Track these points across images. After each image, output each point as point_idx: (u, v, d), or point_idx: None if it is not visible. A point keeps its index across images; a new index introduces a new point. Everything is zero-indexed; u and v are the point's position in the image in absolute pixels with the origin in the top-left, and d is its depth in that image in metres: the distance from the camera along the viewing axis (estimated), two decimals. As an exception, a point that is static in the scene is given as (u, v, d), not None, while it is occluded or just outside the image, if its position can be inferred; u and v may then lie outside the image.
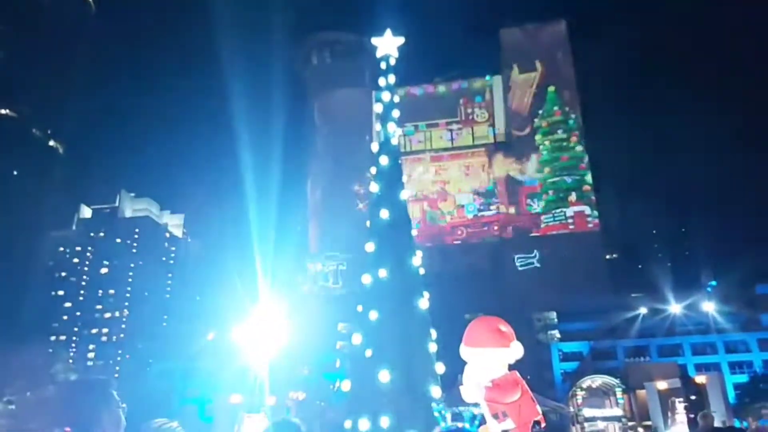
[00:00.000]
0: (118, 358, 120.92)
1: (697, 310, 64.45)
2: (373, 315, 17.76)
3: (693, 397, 38.91)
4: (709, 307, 63.77)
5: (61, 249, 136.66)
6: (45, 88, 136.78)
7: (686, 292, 67.54)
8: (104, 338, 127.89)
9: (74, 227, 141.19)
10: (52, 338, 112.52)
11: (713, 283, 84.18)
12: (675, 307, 64.79)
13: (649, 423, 43.55)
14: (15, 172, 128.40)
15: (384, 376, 16.55)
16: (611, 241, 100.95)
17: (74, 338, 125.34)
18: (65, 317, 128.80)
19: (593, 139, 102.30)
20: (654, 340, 64.37)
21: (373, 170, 20.88)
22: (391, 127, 20.95)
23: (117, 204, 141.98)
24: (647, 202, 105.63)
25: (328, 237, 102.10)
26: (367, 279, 18.52)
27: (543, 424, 13.36)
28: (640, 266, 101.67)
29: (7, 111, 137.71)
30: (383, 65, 21.56)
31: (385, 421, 15.99)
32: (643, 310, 66.97)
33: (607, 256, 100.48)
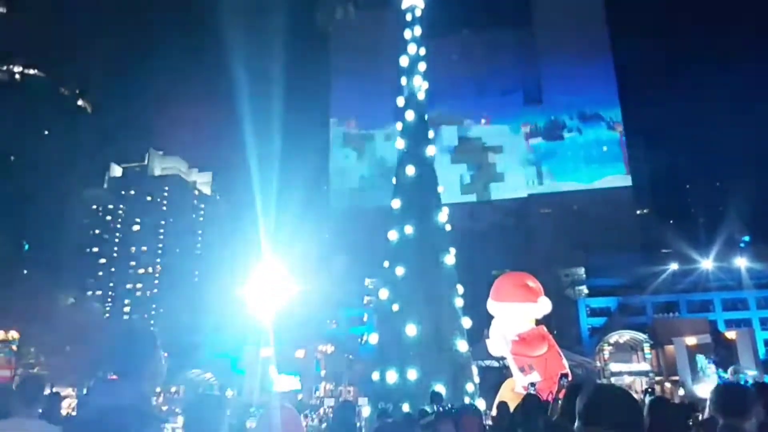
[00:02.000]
0: (152, 312, 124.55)
1: (729, 266, 63.40)
2: (400, 271, 17.85)
3: (723, 353, 38.60)
4: (742, 262, 62.62)
5: (94, 207, 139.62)
6: (72, 47, 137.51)
7: (718, 247, 66.34)
8: (138, 293, 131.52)
9: (106, 186, 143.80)
10: (89, 293, 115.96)
11: (746, 238, 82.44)
12: (707, 263, 63.82)
13: (676, 378, 43.49)
14: (46, 132, 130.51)
15: (410, 330, 16.73)
16: (643, 197, 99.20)
17: (110, 293, 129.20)
18: (100, 273, 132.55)
19: (626, 93, 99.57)
20: (684, 296, 63.70)
21: (399, 126, 20.62)
22: (417, 81, 20.56)
23: (146, 162, 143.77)
24: (680, 157, 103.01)
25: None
26: (393, 235, 18.54)
27: (569, 378, 13.40)
28: (671, 222, 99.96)
29: (36, 71, 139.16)
30: (408, 17, 21.05)
31: (411, 374, 16.23)
32: (673, 266, 66.13)
33: (638, 212, 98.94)
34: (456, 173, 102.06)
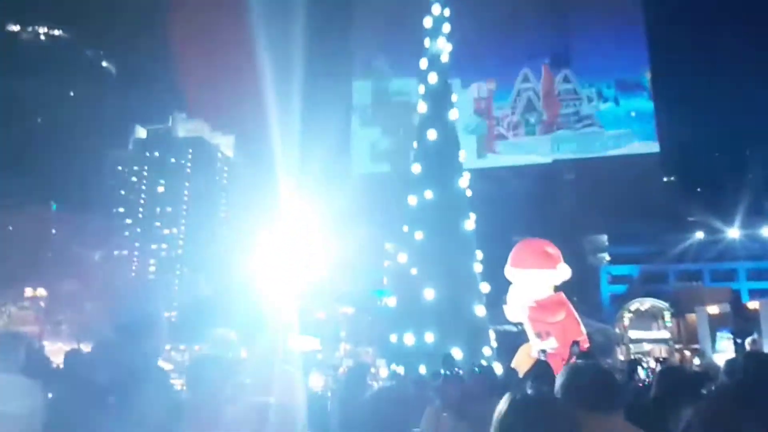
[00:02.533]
0: (177, 272, 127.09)
1: (755, 236, 62.29)
2: (419, 235, 17.89)
3: (743, 323, 38.28)
4: (769, 232, 61.50)
5: (120, 168, 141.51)
6: (97, 8, 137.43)
7: (746, 217, 65.09)
8: (164, 253, 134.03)
9: (130, 147, 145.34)
10: (116, 253, 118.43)
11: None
12: (733, 232, 62.77)
13: (696, 346, 43.36)
14: (71, 93, 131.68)
15: (429, 293, 16.85)
16: (670, 164, 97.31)
17: (135, 253, 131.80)
18: (126, 233, 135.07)
19: (656, 57, 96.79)
20: (708, 265, 62.98)
21: (421, 89, 20.36)
22: (441, 42, 20.19)
23: (170, 124, 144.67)
24: (710, 124, 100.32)
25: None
26: (412, 200, 18.52)
27: (587, 345, 13.41)
28: (698, 190, 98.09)
29: (60, 32, 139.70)
30: (432, -23, 20.55)
31: (429, 337, 16.41)
32: (699, 235, 65.19)
33: (665, 179, 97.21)
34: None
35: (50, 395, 4.88)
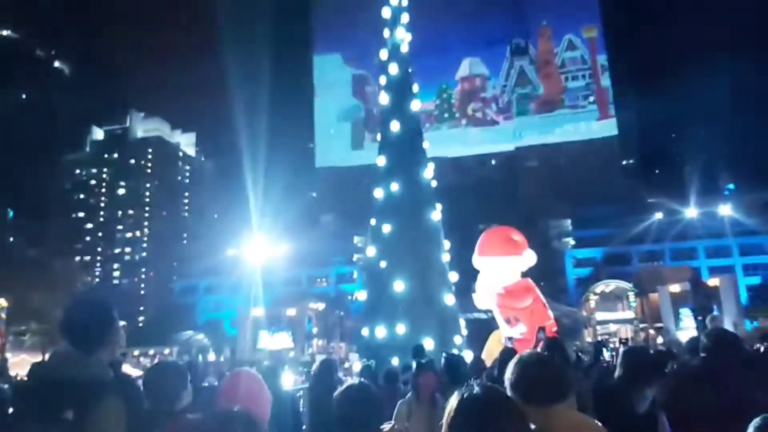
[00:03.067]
0: (143, 276, 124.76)
1: (713, 214, 64.19)
2: (386, 228, 17.87)
3: (703, 300, 39.50)
4: (726, 210, 63.39)
5: (77, 171, 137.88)
6: (46, 7, 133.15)
7: (703, 196, 66.98)
8: (127, 257, 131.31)
9: (88, 149, 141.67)
10: (77, 259, 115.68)
11: (731, 186, 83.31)
12: (691, 212, 64.55)
13: (660, 325, 44.58)
14: (23, 96, 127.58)
15: (398, 285, 16.87)
16: (629, 147, 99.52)
17: (98, 258, 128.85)
18: (88, 238, 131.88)
19: (615, 41, 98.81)
20: (668, 245, 64.65)
21: (383, 80, 20.29)
22: (400, 33, 20.12)
23: (128, 124, 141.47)
24: (666, 106, 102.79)
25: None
26: (379, 193, 18.49)
27: (555, 329, 13.63)
28: (657, 171, 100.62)
29: (8, 32, 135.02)
30: (389, -33, 20.46)
31: (400, 329, 16.45)
32: (658, 216, 66.86)
33: (624, 162, 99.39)
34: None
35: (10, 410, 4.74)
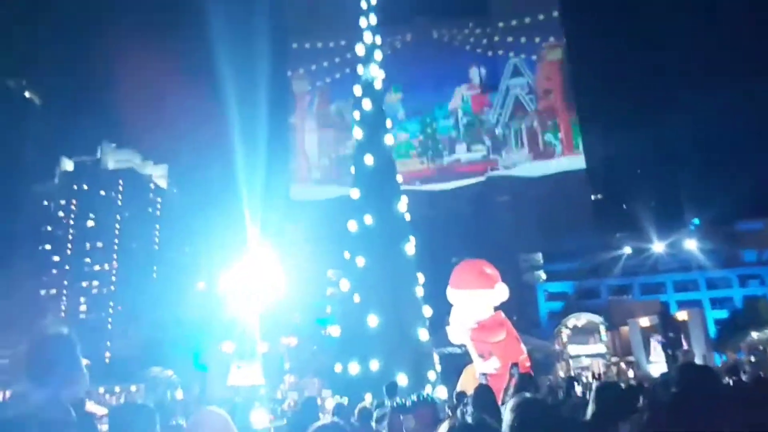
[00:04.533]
0: (110, 310, 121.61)
1: (680, 249, 65.53)
2: (360, 261, 17.86)
3: (672, 334, 39.99)
4: (692, 244, 64.80)
5: (45, 203, 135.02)
6: (17, 37, 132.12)
7: (670, 230, 68.38)
8: (95, 291, 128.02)
9: (57, 180, 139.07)
10: (43, 292, 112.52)
11: (696, 221, 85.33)
12: (658, 246, 65.82)
13: (631, 358, 44.87)
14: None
15: (372, 320, 16.78)
16: (596, 182, 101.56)
17: (65, 291, 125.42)
18: (54, 271, 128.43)
19: (578, 77, 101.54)
20: (637, 279, 65.58)
21: (357, 115, 20.53)
22: (374, 69, 20.48)
23: (98, 156, 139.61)
24: (633, 141, 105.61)
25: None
26: (353, 225, 18.51)
27: (528, 363, 13.62)
28: (624, 206, 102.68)
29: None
30: (364, 4, 20.92)
31: (374, 364, 16.30)
32: (627, 250, 67.95)
33: (593, 197, 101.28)
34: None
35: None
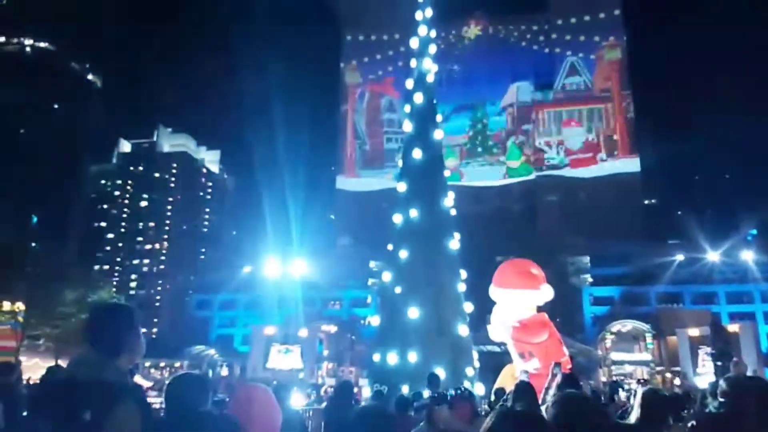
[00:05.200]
0: (159, 288, 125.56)
1: (735, 259, 63.05)
2: (404, 254, 17.85)
3: (722, 345, 38.66)
4: (748, 255, 62.25)
5: (103, 182, 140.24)
6: (83, 21, 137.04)
7: (725, 240, 65.95)
8: (145, 269, 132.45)
9: (114, 161, 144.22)
10: (96, 267, 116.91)
11: (754, 231, 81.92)
12: (712, 255, 63.50)
13: (677, 369, 43.61)
14: (55, 106, 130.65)
15: (412, 313, 16.78)
16: (651, 186, 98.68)
17: (117, 268, 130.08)
18: (108, 248, 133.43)
19: (640, 80, 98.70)
20: (688, 287, 63.55)
21: (408, 108, 20.50)
22: (427, 63, 20.37)
23: (155, 139, 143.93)
24: (690, 146, 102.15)
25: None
26: (398, 218, 18.52)
27: (569, 366, 13.41)
28: (679, 212, 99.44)
29: (46, 44, 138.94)
30: (420, -2, 20.80)
31: (412, 356, 16.31)
32: (679, 257, 65.87)
33: (646, 201, 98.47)
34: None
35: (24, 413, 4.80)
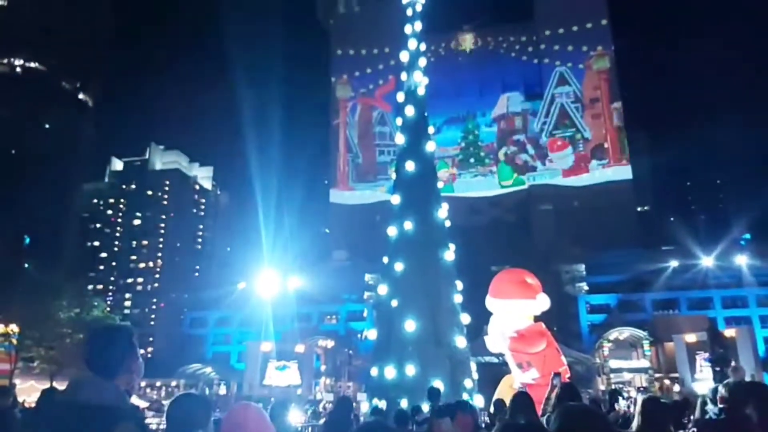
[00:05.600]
0: (153, 307, 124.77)
1: (729, 264, 63.32)
2: (399, 266, 17.83)
3: (720, 351, 38.64)
4: (742, 260, 62.54)
5: (95, 201, 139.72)
6: (73, 41, 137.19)
7: (719, 245, 66.27)
8: (139, 287, 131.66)
9: (106, 179, 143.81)
10: (90, 287, 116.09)
11: (747, 236, 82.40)
12: (707, 261, 63.77)
13: (675, 375, 43.57)
14: (46, 126, 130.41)
15: (409, 325, 16.72)
16: (643, 193, 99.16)
17: (111, 287, 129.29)
18: (101, 267, 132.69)
19: (626, 87, 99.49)
20: (684, 293, 63.69)
21: (399, 121, 20.58)
22: (417, 76, 20.48)
23: (147, 156, 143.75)
24: (682, 153, 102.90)
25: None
26: (392, 231, 18.52)
27: (568, 375, 13.39)
28: (672, 219, 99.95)
29: (36, 64, 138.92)
30: (409, 11, 20.96)
31: (410, 370, 16.24)
32: (673, 263, 66.08)
33: (639, 209, 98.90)
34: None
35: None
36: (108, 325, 3.96)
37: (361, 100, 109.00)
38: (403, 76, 20.65)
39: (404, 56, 20.71)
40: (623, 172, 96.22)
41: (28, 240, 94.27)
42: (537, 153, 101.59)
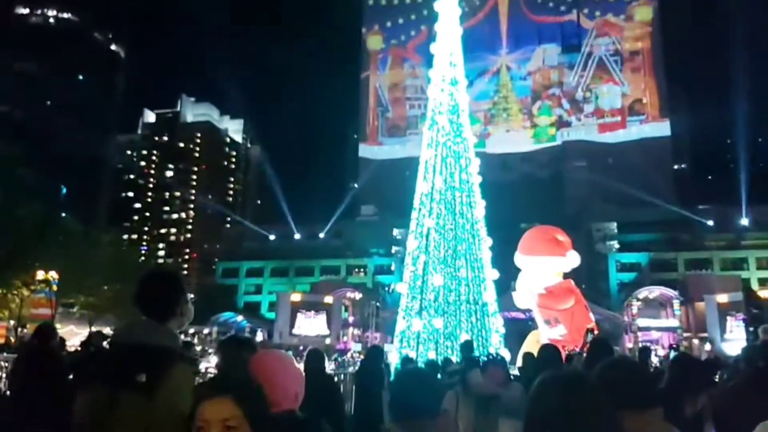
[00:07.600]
0: (186, 257, 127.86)
1: (765, 225, 61.82)
2: (428, 222, 17.90)
3: (756, 311, 38.07)
4: (780, 221, 61.01)
5: (128, 152, 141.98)
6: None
7: (756, 205, 64.58)
8: (172, 238, 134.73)
9: (139, 131, 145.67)
10: (125, 237, 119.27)
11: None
12: (743, 221, 62.35)
13: (704, 335, 43.29)
14: (80, 77, 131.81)
15: (437, 280, 16.89)
16: (681, 150, 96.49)
17: (145, 238, 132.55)
18: (135, 217, 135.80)
19: (667, 40, 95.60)
20: (717, 253, 62.63)
21: (431, 74, 20.28)
22: (451, 26, 20.05)
23: (178, 109, 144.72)
24: (722, 110, 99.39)
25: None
26: (422, 186, 18.52)
27: (596, 332, 13.44)
28: (709, 177, 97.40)
29: (69, 15, 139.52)
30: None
31: (437, 323, 16.49)
32: (709, 223, 64.78)
33: (676, 166, 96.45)
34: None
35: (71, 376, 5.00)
36: (159, 269, 4.11)
37: (393, 51, 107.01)
38: (437, 26, 20.24)
39: (438, 6, 20.26)
40: (661, 128, 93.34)
41: (64, 190, 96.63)
42: (572, 107, 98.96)
